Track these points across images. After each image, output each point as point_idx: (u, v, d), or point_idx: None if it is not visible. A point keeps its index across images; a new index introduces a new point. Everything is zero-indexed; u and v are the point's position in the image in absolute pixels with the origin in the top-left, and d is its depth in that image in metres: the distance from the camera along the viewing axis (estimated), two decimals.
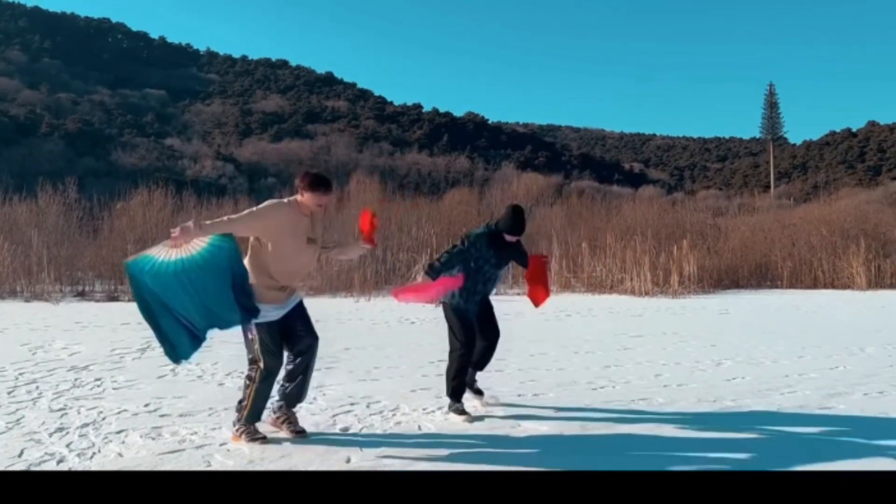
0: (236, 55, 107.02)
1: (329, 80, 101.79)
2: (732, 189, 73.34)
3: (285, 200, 4.53)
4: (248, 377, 4.41)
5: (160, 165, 66.55)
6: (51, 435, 4.55)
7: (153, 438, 4.47)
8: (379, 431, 4.67)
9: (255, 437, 4.34)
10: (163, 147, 74.30)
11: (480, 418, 4.97)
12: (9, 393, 5.81)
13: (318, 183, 4.44)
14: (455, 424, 4.82)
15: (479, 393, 5.35)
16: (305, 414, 4.90)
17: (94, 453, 4.18)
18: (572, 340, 8.60)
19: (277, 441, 4.37)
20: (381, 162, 73.23)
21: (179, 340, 4.28)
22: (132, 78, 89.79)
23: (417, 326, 10.19)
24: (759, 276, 17.70)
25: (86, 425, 4.79)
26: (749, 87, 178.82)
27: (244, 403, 4.39)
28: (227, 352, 7.94)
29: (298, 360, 4.50)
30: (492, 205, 22.30)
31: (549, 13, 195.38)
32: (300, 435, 4.45)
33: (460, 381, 5.06)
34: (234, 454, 4.17)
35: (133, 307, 12.51)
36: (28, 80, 78.81)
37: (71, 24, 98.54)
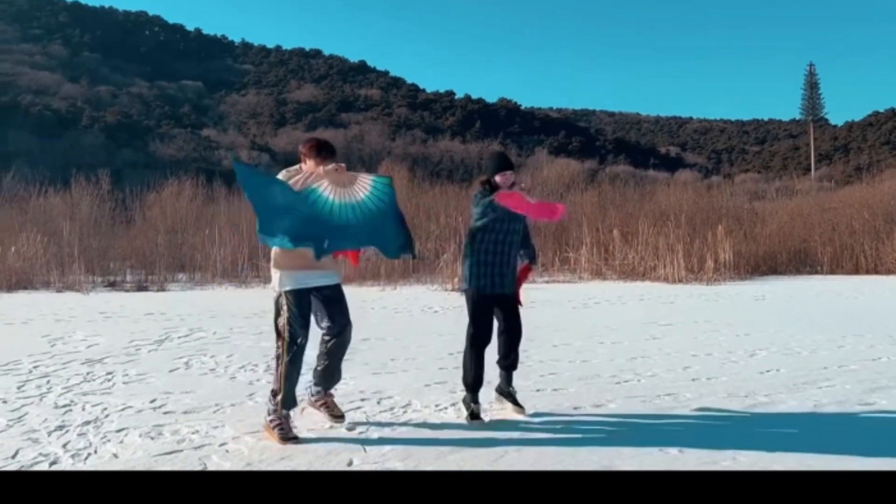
0: (270, 45, 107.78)
1: (362, 68, 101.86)
2: (771, 172, 71.63)
3: (292, 168, 4.43)
4: (276, 357, 4.31)
5: (197, 156, 67.38)
6: (50, 434, 4.42)
7: (152, 438, 4.31)
8: (387, 430, 4.46)
9: (288, 436, 4.14)
10: (199, 138, 75.13)
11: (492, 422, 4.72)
12: (18, 388, 5.72)
13: (322, 148, 4.33)
14: (465, 424, 4.58)
15: (517, 405, 4.77)
16: (314, 411, 4.70)
17: (89, 454, 4.03)
18: (599, 330, 8.29)
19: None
20: (414, 149, 73.13)
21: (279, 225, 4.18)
22: (169, 70, 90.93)
23: (440, 315, 9.96)
24: (798, 261, 17.08)
25: (87, 423, 4.66)
26: (788, 67, 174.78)
27: (277, 388, 4.25)
28: (244, 342, 7.84)
29: (332, 342, 4.45)
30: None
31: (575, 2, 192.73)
32: (339, 420, 4.46)
33: (476, 374, 4.69)
34: (232, 456, 4.00)
35: (160, 297, 12.38)
36: (69, 74, 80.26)
37: (110, 18, 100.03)
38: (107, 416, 4.84)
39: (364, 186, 4.28)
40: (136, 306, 11.46)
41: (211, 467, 3.84)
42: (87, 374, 6.27)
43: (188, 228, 18.55)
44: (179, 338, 8.26)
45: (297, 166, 4.42)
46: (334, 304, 4.46)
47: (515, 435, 4.29)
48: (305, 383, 4.61)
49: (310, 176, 4.21)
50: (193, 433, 4.41)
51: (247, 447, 4.12)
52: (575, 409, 4.88)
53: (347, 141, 73.85)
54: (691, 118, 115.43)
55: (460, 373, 6.04)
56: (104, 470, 3.76)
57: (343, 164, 4.28)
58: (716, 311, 10.10)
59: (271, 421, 4.25)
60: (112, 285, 15.70)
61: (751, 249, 16.34)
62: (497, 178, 4.72)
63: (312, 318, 4.44)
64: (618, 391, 5.36)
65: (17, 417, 4.82)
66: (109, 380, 6.02)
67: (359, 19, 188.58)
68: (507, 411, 4.77)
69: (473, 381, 4.69)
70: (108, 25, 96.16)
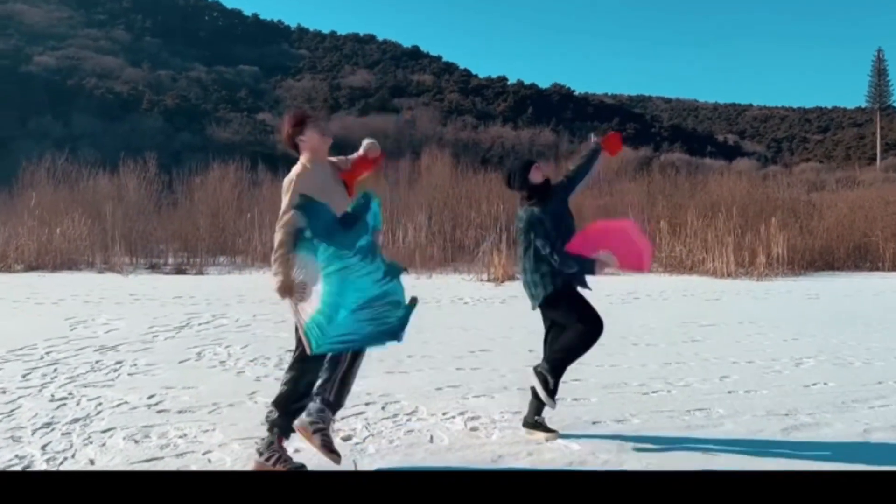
0: (325, 31, 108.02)
1: (415, 53, 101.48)
2: (834, 162, 68.86)
3: (298, 169, 3.65)
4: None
5: (252, 140, 68.18)
6: (34, 432, 4.24)
7: (136, 442, 4.08)
8: (384, 441, 4.14)
9: (329, 443, 3.48)
10: (255, 122, 75.98)
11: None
12: (23, 376, 5.59)
13: (310, 114, 3.83)
14: (470, 437, 4.23)
15: (550, 430, 4.24)
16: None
17: (66, 458, 3.82)
18: (634, 329, 7.81)
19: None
20: (465, 135, 72.59)
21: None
22: (227, 55, 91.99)
23: (469, 308, 9.59)
24: (858, 257, 16.10)
25: (76, 420, 4.46)
26: (855, 53, 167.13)
27: (326, 396, 3.57)
28: (263, 331, 7.63)
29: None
30: None
31: None
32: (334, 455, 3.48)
33: (564, 367, 4.20)
34: (213, 466, 3.73)
35: (194, 281, 12.28)
36: (131, 59, 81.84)
37: (170, 4, 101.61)
38: (98, 412, 4.64)
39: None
40: (167, 289, 11.40)
41: None
42: (97, 362, 6.12)
43: (231, 212, 18.55)
44: (200, 324, 8.10)
45: (299, 164, 3.68)
46: None
47: (522, 455, 3.91)
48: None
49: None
50: (181, 437, 4.17)
51: (231, 457, 3.85)
52: (594, 423, 4.48)
53: (399, 126, 73.75)
54: (751, 105, 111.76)
55: (477, 375, 5.73)
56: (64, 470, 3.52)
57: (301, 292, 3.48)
58: (763, 311, 9.47)
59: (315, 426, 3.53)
60: (153, 268, 15.77)
61: (806, 243, 15.47)
62: (532, 177, 4.28)
63: None
64: (644, 403, 4.93)
65: (10, 411, 4.66)
66: (116, 370, 5.85)
67: (413, 4, 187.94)
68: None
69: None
70: (169, 11, 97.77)
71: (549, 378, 4.17)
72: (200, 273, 15.09)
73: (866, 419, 4.57)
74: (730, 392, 5.24)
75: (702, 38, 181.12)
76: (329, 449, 3.41)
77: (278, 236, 3.50)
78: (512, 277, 12.26)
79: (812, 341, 7.24)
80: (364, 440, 4.14)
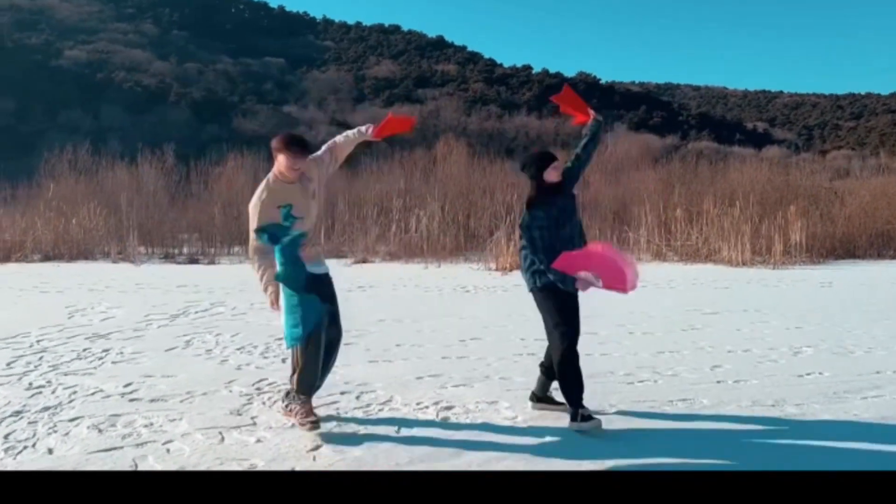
0: (351, 22, 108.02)
1: (440, 43, 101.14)
2: (867, 149, 67.22)
3: (267, 180, 4.11)
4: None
5: (278, 132, 68.12)
6: (1, 421, 4.22)
7: (100, 431, 4.04)
8: (349, 430, 4.05)
9: (306, 419, 3.92)
10: (281, 114, 76.31)
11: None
12: (8, 364, 5.60)
13: (294, 143, 4.03)
14: (438, 426, 4.13)
15: (558, 403, 4.39)
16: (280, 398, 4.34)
17: (25, 447, 3.81)
18: (633, 317, 7.62)
19: (231, 442, 3.89)
20: (489, 125, 72.23)
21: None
22: (253, 47, 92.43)
23: (470, 296, 9.47)
24: (881, 245, 15.63)
25: (46, 409, 4.44)
26: (889, 37, 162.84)
27: (294, 373, 4.02)
28: (257, 320, 7.58)
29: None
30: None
31: None
32: (314, 426, 3.95)
33: (578, 380, 4.11)
34: (171, 456, 3.68)
35: (203, 270, 12.31)
36: (159, 52, 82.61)
37: None
38: (71, 401, 4.62)
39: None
40: (174, 278, 11.44)
41: (142, 468, 3.53)
42: (84, 350, 6.13)
43: (246, 202, 18.51)
44: (196, 312, 8.09)
45: (272, 171, 4.12)
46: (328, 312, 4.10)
47: (486, 445, 3.80)
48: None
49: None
50: (146, 426, 4.14)
51: (191, 447, 3.79)
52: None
53: (423, 116, 73.46)
54: (781, 92, 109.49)
55: (461, 364, 5.63)
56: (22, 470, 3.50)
57: (268, 298, 3.99)
58: (771, 299, 9.21)
59: (286, 405, 4.09)
60: (167, 257, 15.87)
61: (827, 231, 15.05)
62: (547, 176, 4.18)
63: None
64: (626, 393, 4.79)
65: None
66: (101, 358, 5.85)
67: None
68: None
69: (580, 391, 4.13)
70: (196, 4, 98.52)
71: (570, 398, 4.11)
72: (213, 263, 15.14)
73: (856, 410, 4.39)
74: (719, 382, 5.08)
75: (731, 23, 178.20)
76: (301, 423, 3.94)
77: (249, 251, 4.09)
78: (519, 267, 12.09)
79: (815, 330, 7.01)
80: (331, 430, 4.05)
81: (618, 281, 4.05)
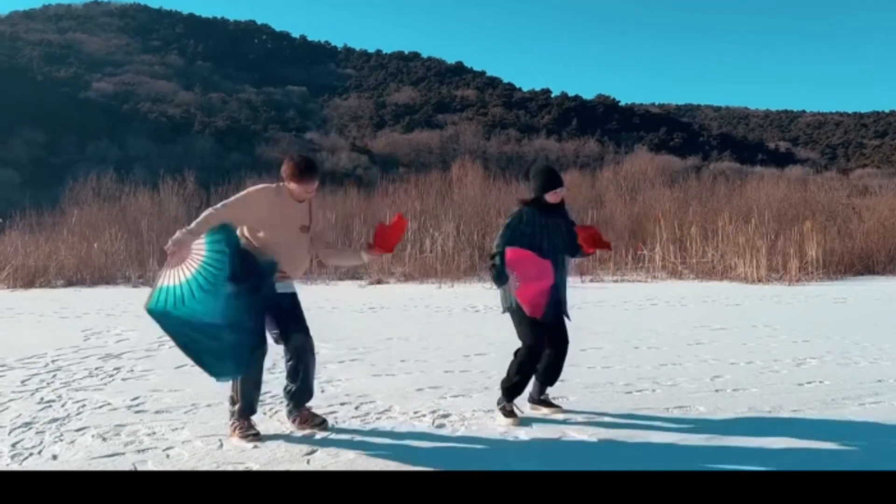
0: (371, 50, 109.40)
1: (459, 69, 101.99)
2: (893, 167, 66.31)
3: (273, 186, 4.23)
4: None
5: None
6: (11, 431, 4.36)
7: (104, 439, 4.16)
8: (345, 436, 4.13)
9: (248, 433, 4.05)
10: (303, 141, 77.10)
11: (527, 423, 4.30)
12: (22, 381, 5.75)
13: (305, 170, 4.12)
14: (433, 433, 4.21)
15: (552, 406, 4.61)
16: (284, 411, 4.44)
17: (31, 454, 3.93)
18: (640, 333, 7.64)
19: (229, 448, 4.00)
20: (509, 149, 72.39)
21: (216, 359, 4.12)
22: (276, 76, 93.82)
23: (479, 315, 9.53)
24: None
25: (55, 420, 4.57)
26: None
27: (233, 395, 4.16)
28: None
29: (293, 360, 4.28)
30: (601, 186, 21.17)
31: None
32: (322, 426, 4.22)
33: (518, 383, 4.37)
34: (170, 461, 3.78)
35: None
36: (184, 83, 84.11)
37: (221, 28, 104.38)
38: (79, 413, 4.74)
39: (198, 255, 3.92)
40: None
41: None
42: (96, 369, 6.27)
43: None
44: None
45: (275, 185, 4.21)
46: (291, 321, 4.25)
47: (477, 451, 3.86)
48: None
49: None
50: (149, 434, 4.25)
51: (189, 453, 3.89)
52: (561, 421, 4.39)
53: (443, 141, 74.01)
54: (804, 111, 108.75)
55: (463, 377, 5.70)
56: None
57: (177, 235, 3.94)
58: (783, 315, 9.17)
59: (232, 424, 4.15)
60: None
61: (845, 247, 14.92)
62: (548, 197, 4.37)
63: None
64: (623, 402, 4.82)
65: None
66: (112, 376, 5.98)
67: (457, 19, 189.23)
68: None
69: (514, 392, 4.42)
70: (220, 35, 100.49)
71: (504, 402, 4.39)
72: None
73: (852, 416, 4.40)
74: (717, 391, 5.10)
75: (752, 44, 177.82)
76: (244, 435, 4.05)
77: (202, 215, 4.03)
78: None
79: (823, 343, 6.99)
80: (326, 436, 4.14)
81: (528, 295, 4.24)
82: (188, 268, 3.87)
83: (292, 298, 4.26)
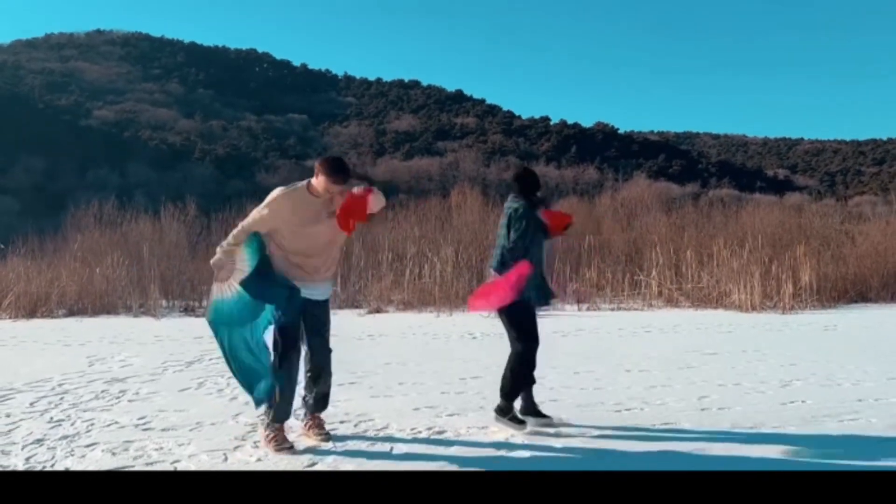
0: (371, 78, 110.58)
1: (459, 97, 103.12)
2: (891, 194, 66.75)
3: (296, 185, 4.46)
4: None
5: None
6: (24, 447, 4.54)
7: (114, 454, 4.35)
8: (345, 451, 4.32)
9: (282, 446, 4.25)
10: (303, 168, 77.48)
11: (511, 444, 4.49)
12: (31, 403, 5.92)
13: (336, 170, 4.34)
14: (428, 448, 4.39)
15: (542, 416, 4.86)
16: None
17: (44, 467, 4.11)
18: (632, 358, 7.83)
19: (233, 461, 4.18)
20: (508, 175, 72.65)
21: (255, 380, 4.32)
22: (277, 104, 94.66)
23: (476, 342, 9.71)
24: (895, 286, 15.62)
25: (65, 437, 4.76)
26: None
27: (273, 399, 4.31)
28: None
29: (313, 372, 4.50)
30: (598, 213, 21.43)
31: (681, 14, 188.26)
32: (326, 439, 4.44)
33: (525, 375, 4.72)
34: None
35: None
36: (185, 110, 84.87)
37: (222, 57, 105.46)
38: (88, 431, 4.92)
39: (240, 270, 4.28)
40: (191, 330, 11.75)
41: None
42: (102, 391, 6.43)
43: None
44: (211, 360, 8.37)
45: (306, 181, 4.45)
46: (316, 335, 4.46)
47: (471, 463, 4.05)
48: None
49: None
50: (156, 449, 4.44)
51: (196, 465, 4.09)
52: (551, 436, 4.59)
53: (443, 168, 74.72)
54: (802, 139, 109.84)
55: (459, 397, 5.88)
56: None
57: (216, 257, 4.36)
58: (773, 341, 9.35)
59: (266, 434, 4.33)
60: (187, 310, 16.24)
61: (839, 272, 15.11)
62: (543, 215, 4.86)
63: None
64: (611, 420, 5.01)
65: (8, 430, 4.98)
66: (118, 397, 6.15)
67: (457, 48, 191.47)
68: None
69: (515, 394, 4.77)
70: (221, 63, 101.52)
71: (503, 404, 4.64)
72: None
73: (829, 430, 4.59)
74: (703, 409, 5.29)
75: (750, 72, 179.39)
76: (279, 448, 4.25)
77: (235, 230, 4.38)
78: None
79: (808, 366, 7.17)
80: (328, 449, 4.34)
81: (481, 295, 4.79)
82: (230, 287, 4.25)
83: (324, 307, 4.49)
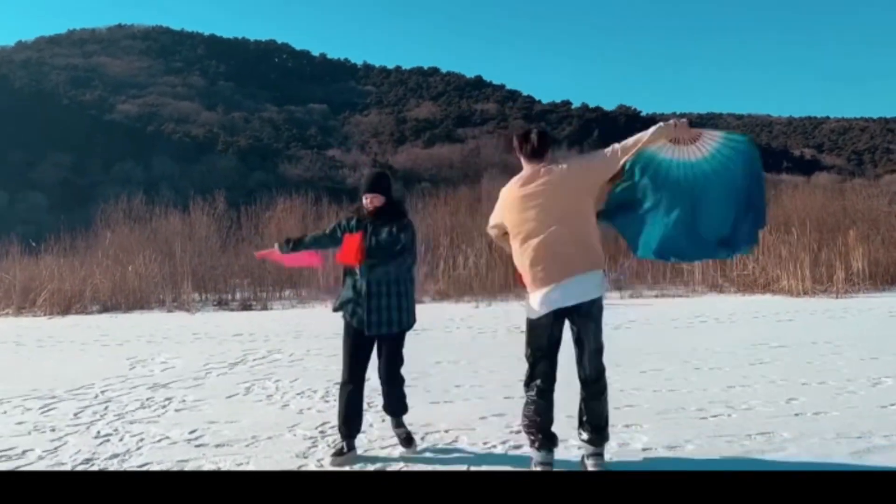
0: (390, 66, 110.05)
1: (478, 83, 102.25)
2: None
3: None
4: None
5: (322, 175, 69.65)
6: (73, 468, 4.24)
7: None
8: (414, 468, 3.97)
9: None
10: (325, 158, 77.61)
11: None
12: (75, 414, 5.66)
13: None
14: (512, 464, 4.03)
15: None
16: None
17: None
18: (697, 353, 7.41)
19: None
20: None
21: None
22: (297, 94, 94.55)
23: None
24: None
25: (115, 456, 4.47)
26: None
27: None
28: (315, 365, 7.57)
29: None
30: None
31: None
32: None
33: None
34: None
35: (256, 317, 12.33)
36: (207, 103, 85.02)
37: (242, 48, 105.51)
38: (139, 448, 4.63)
39: (708, 144, 3.88)
40: (229, 327, 11.51)
41: None
42: (147, 399, 6.16)
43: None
44: (254, 360, 8.11)
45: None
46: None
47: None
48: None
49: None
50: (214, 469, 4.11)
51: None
52: (644, 450, 4.20)
53: (464, 155, 74.12)
54: (828, 118, 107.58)
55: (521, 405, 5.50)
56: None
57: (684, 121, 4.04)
58: (840, 330, 8.88)
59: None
60: (220, 304, 16.05)
61: (891, 257, 14.55)
62: (364, 199, 4.50)
63: None
64: (701, 428, 4.61)
65: (54, 448, 4.71)
66: (164, 406, 5.87)
67: (475, 34, 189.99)
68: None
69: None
70: (241, 55, 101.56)
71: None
72: (265, 308, 15.27)
73: None
74: (797, 414, 4.87)
75: (772, 50, 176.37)
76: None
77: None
78: None
79: (893, 360, 6.71)
80: (400, 469, 3.99)
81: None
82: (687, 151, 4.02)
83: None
